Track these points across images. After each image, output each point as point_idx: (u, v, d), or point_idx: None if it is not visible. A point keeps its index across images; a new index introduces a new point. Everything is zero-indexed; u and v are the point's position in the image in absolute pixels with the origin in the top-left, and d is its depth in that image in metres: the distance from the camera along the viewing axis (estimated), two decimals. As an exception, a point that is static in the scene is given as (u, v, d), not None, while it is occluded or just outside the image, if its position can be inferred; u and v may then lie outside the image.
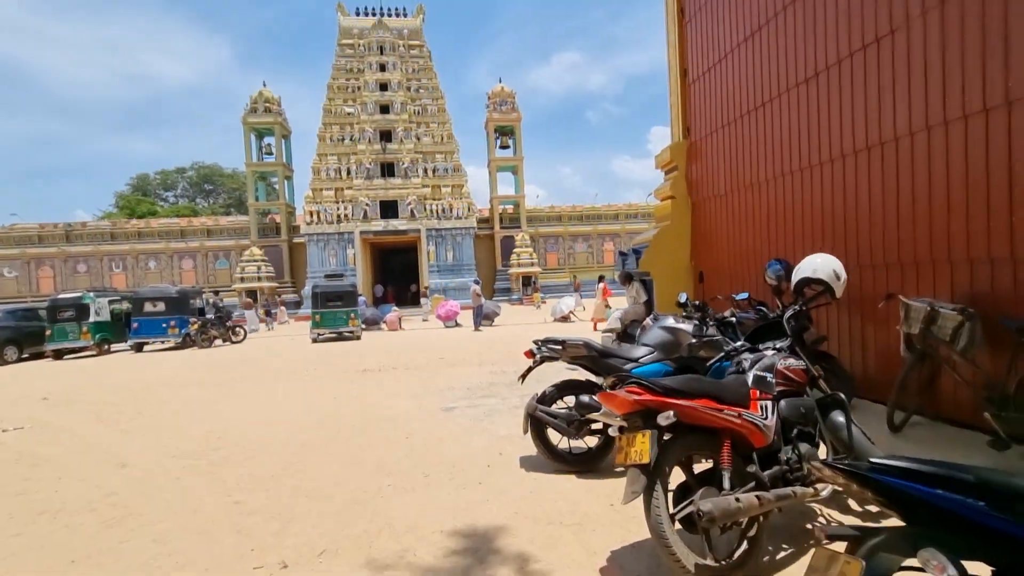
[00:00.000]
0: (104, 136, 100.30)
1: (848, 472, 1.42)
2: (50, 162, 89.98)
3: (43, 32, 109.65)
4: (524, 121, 34.02)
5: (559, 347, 3.92)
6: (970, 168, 3.95)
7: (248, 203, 32.41)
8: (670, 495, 2.39)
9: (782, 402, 2.73)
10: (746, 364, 2.82)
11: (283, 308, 26.02)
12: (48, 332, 14.39)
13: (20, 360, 14.28)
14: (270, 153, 32.86)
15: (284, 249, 31.96)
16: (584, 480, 3.68)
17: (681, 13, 8.44)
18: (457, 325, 18.39)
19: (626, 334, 8.49)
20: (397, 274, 33.18)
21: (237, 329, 16.51)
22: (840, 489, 1.80)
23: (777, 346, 3.01)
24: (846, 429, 2.80)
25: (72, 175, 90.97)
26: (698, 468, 2.62)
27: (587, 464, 3.83)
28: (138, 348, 15.19)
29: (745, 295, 5.65)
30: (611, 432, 2.49)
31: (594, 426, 3.82)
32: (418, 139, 30.92)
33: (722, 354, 3.10)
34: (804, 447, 2.68)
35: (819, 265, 3.05)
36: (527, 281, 31.03)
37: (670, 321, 4.08)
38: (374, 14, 32.73)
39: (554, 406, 3.97)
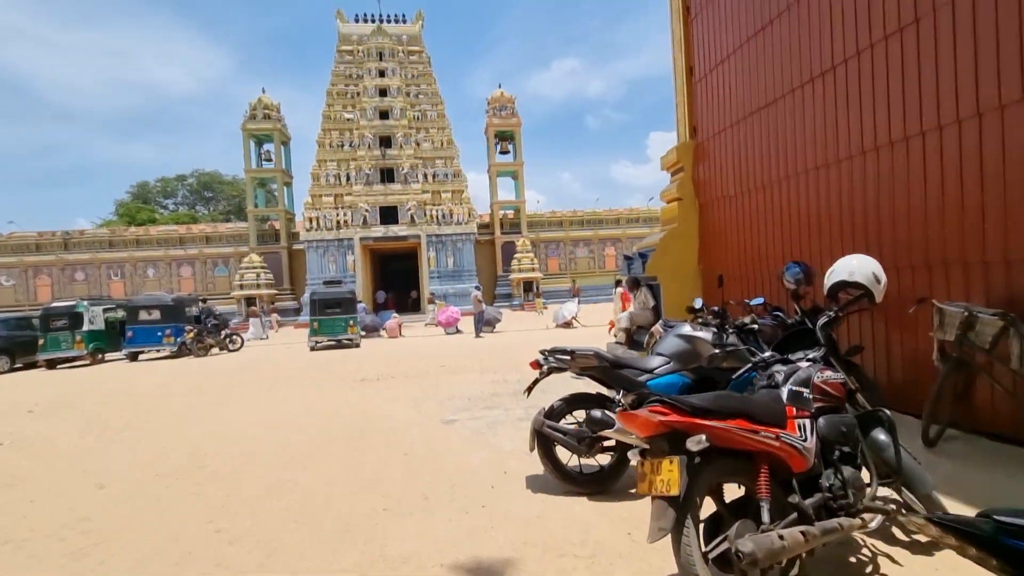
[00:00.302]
0: (106, 143, 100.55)
1: (965, 534, 1.11)
2: (51, 169, 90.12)
3: (48, 40, 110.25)
4: (524, 127, 33.90)
5: (568, 357, 3.63)
6: (1008, 162, 3.68)
7: (247, 210, 32.21)
8: (701, 527, 2.11)
9: (820, 420, 2.45)
10: (779, 377, 2.53)
11: (275, 316, 25.53)
12: (41, 342, 14.11)
13: (13, 370, 14.00)
14: (269, 160, 32.70)
15: (283, 256, 31.72)
16: (596, 503, 3.39)
17: (687, 9, 8.21)
18: (458, 332, 18.09)
19: (633, 341, 8.23)
20: (397, 280, 32.89)
21: (234, 337, 16.22)
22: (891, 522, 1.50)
23: (810, 356, 2.72)
24: (892, 449, 2.51)
25: (73, 182, 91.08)
26: (727, 489, 2.33)
27: (599, 485, 3.54)
28: (133, 357, 14.89)
29: (760, 300, 5.37)
30: (630, 455, 2.20)
31: (606, 443, 3.53)
32: (418, 145, 30.74)
33: (749, 365, 2.81)
34: (848, 471, 2.39)
35: (856, 267, 2.77)
36: (528, 287, 30.75)
37: (687, 329, 3.79)
38: (373, 20, 32.68)
39: (563, 421, 3.68)
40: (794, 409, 2.33)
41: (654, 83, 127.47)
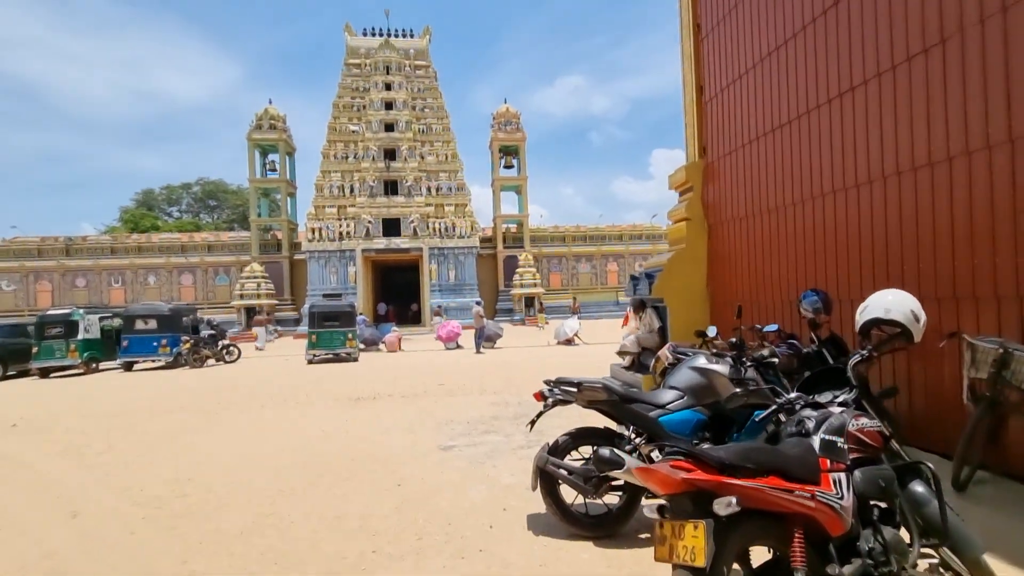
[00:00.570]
0: (114, 151, 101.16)
1: None
2: (60, 176, 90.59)
3: (62, 50, 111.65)
4: (528, 141, 33.92)
5: (574, 389, 3.39)
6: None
7: (250, 219, 32.17)
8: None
9: (856, 473, 2.20)
10: (810, 424, 2.29)
11: (269, 326, 25.11)
12: (35, 349, 13.90)
13: (5, 378, 13.77)
14: (274, 170, 32.75)
15: (285, 266, 31.59)
16: (604, 548, 3.13)
17: (697, 28, 8.10)
18: (458, 347, 17.83)
19: (641, 364, 7.97)
20: (398, 293, 32.70)
21: (231, 348, 15.98)
22: None
23: (840, 399, 2.49)
24: (934, 506, 2.26)
25: (80, 190, 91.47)
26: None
27: (606, 528, 3.27)
28: (128, 367, 14.65)
29: (775, 327, 5.15)
30: (646, 512, 1.96)
31: (614, 482, 3.28)
32: (422, 158, 30.77)
33: (774, 408, 2.57)
34: (888, 532, 2.14)
35: (892, 303, 2.55)
36: (530, 302, 30.51)
37: (701, 361, 3.56)
38: (381, 34, 32.94)
39: (568, 457, 3.44)
40: (828, 462, 2.10)
41: (658, 102, 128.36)
